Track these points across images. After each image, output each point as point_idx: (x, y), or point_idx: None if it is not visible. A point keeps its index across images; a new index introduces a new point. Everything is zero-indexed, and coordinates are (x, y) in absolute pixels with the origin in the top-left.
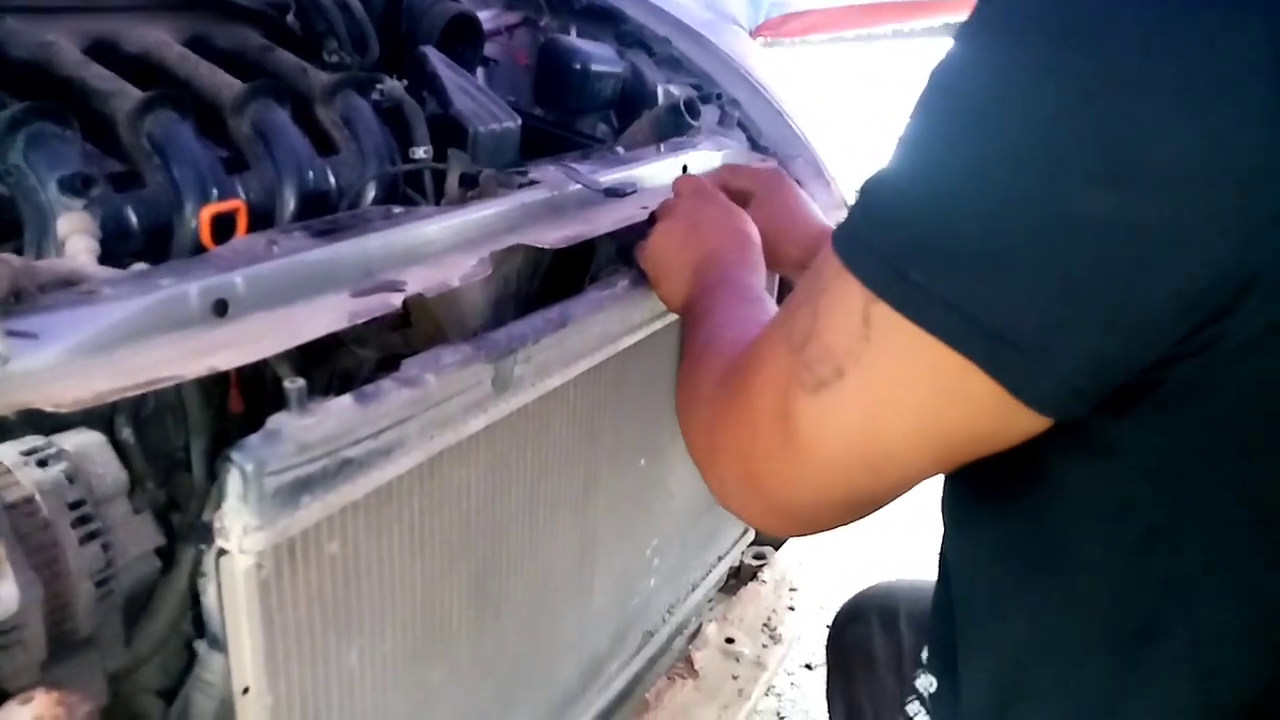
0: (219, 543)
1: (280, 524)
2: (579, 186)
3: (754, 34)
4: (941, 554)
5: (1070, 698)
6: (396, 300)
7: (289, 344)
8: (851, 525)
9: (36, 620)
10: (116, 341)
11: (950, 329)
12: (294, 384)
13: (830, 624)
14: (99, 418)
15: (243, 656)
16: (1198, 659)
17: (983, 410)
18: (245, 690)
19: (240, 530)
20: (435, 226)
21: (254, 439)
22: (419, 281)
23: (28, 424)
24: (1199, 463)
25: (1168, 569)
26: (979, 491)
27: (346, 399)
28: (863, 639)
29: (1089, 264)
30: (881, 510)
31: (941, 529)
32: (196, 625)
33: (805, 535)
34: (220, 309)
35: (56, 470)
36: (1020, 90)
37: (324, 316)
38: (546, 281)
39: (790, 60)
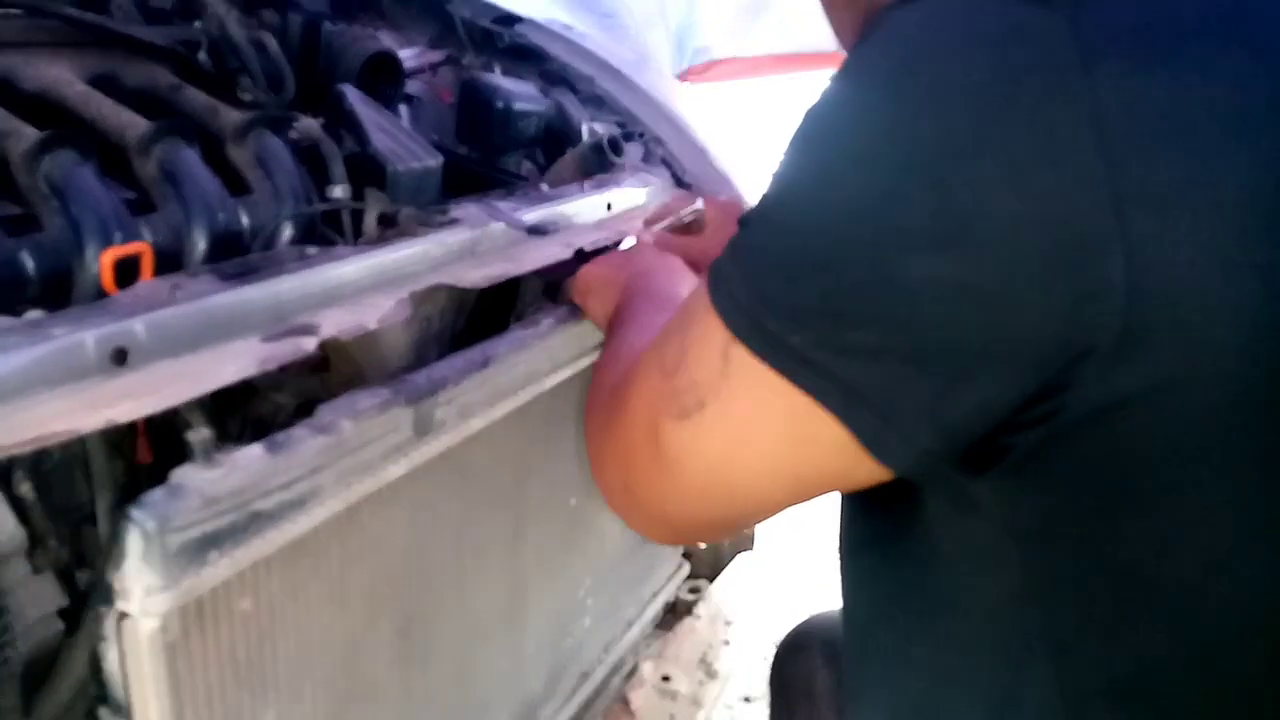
0: (119, 605)
1: (186, 583)
2: (502, 225)
3: (679, 79)
4: (844, 595)
5: None
6: (310, 345)
7: (193, 393)
8: (789, 555)
9: None
10: (6, 394)
11: (805, 379)
12: (198, 434)
13: (773, 655)
14: None
15: None
16: None
17: (834, 455)
18: None
19: (142, 591)
20: (352, 267)
21: (156, 494)
22: (334, 324)
23: None
24: (1058, 526)
25: (1039, 629)
26: (872, 539)
27: (256, 448)
28: (805, 671)
29: (926, 326)
30: (816, 538)
31: (840, 571)
32: (101, 692)
33: (689, 544)
34: (119, 358)
35: None
36: (865, 152)
37: (232, 363)
38: (471, 321)
39: (712, 96)
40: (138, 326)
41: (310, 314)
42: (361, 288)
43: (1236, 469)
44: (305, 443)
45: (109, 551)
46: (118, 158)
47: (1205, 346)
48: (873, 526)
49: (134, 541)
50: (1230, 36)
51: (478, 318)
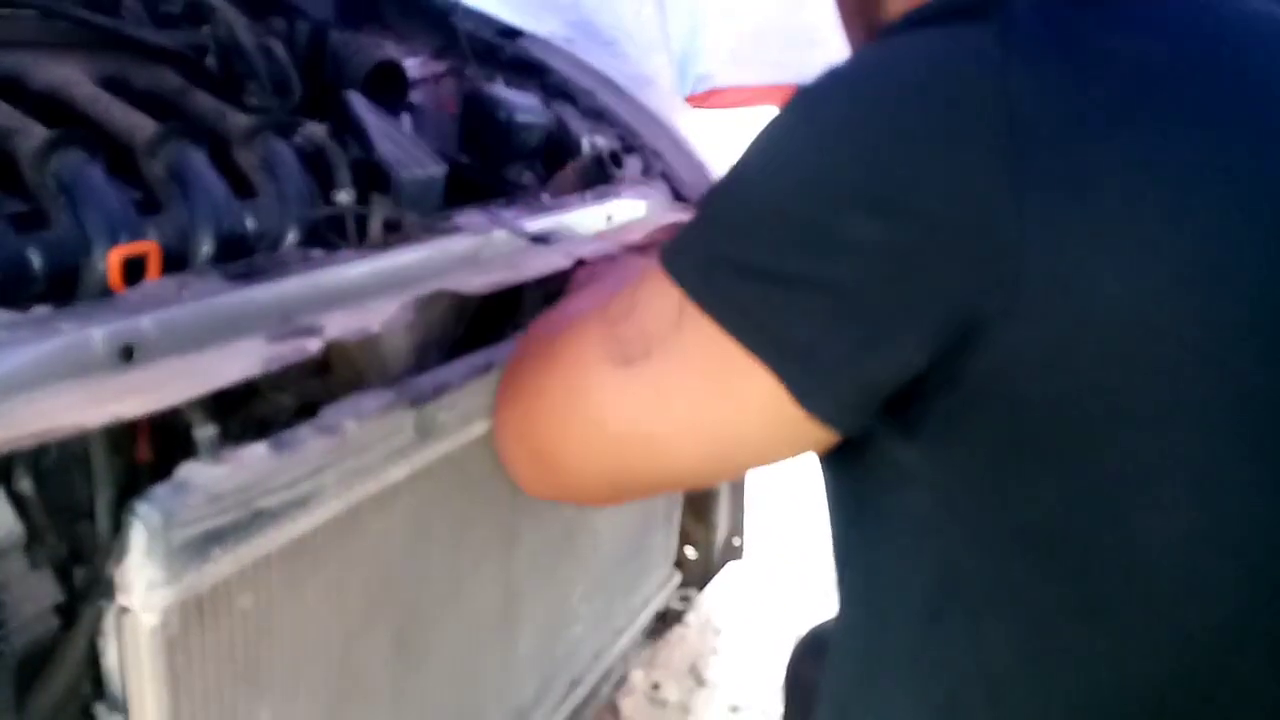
0: (120, 600)
1: (187, 579)
2: (505, 233)
3: None
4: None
5: None
6: (314, 346)
7: (199, 391)
8: (778, 565)
9: None
10: (13, 388)
11: (744, 331)
12: (205, 431)
13: (789, 657)
14: None
15: (146, 718)
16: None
17: (760, 413)
18: None
19: (144, 586)
20: (356, 270)
21: (161, 489)
22: (338, 326)
23: None
24: (978, 492)
25: (966, 599)
26: (841, 522)
27: (261, 447)
28: (819, 673)
29: (852, 284)
30: (806, 548)
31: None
32: (97, 688)
33: (566, 500)
34: (127, 354)
35: None
36: (816, 137)
37: (237, 362)
38: (471, 329)
39: (712, 118)
40: (145, 324)
41: (314, 316)
42: (365, 291)
43: (1140, 434)
44: (309, 443)
45: (110, 547)
46: (125, 158)
47: (1094, 316)
48: (839, 510)
49: (138, 536)
50: (1154, 42)
51: (478, 325)
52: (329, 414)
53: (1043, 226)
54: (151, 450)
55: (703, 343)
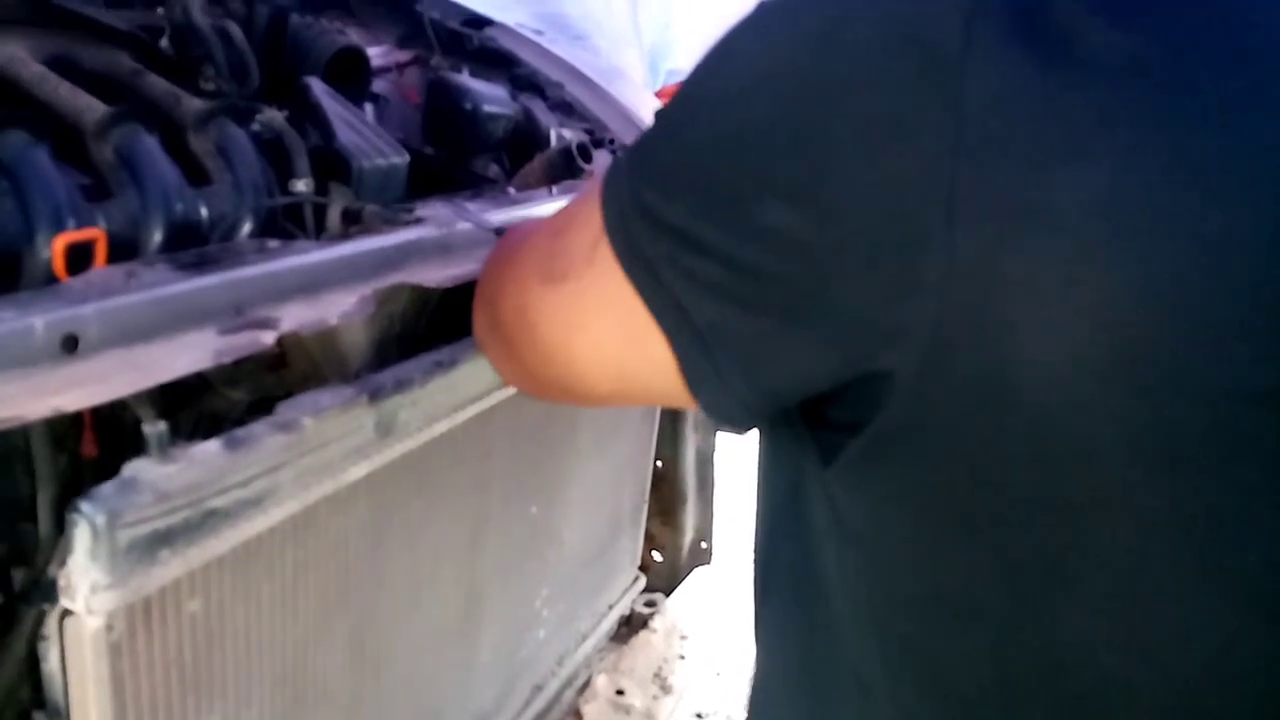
0: (64, 602)
1: (134, 582)
2: (469, 226)
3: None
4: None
5: None
6: (268, 339)
7: (145, 384)
8: (747, 570)
9: None
10: None
11: (650, 292)
12: (154, 427)
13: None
14: None
15: None
16: None
17: (659, 373)
18: None
19: (88, 588)
20: (313, 260)
21: (107, 488)
22: (294, 319)
23: None
24: (882, 538)
25: (863, 648)
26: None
27: (214, 444)
28: None
29: (761, 273)
30: None
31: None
32: (36, 694)
33: (543, 397)
34: (70, 345)
35: None
36: (752, 84)
37: (186, 355)
38: (433, 324)
39: None
40: (89, 313)
41: (270, 307)
42: (323, 283)
43: (1062, 517)
44: (264, 440)
45: (52, 547)
46: (73, 142)
47: (1019, 379)
48: (767, 500)
49: (82, 536)
50: (1150, 38)
51: (439, 321)
52: (286, 409)
53: (974, 262)
54: (97, 446)
55: (609, 285)
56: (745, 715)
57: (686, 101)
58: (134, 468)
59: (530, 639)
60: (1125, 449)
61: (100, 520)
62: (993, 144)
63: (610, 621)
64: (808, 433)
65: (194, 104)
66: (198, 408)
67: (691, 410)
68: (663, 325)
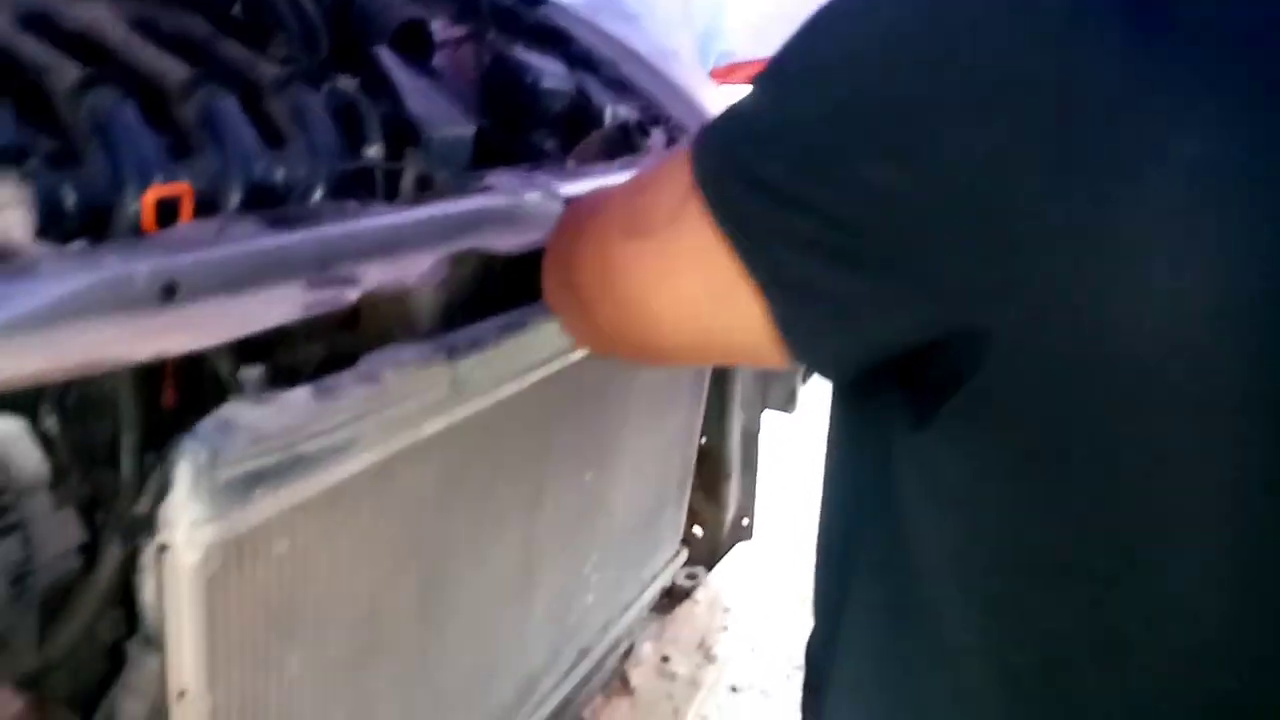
0: (163, 536)
1: (230, 518)
2: (539, 194)
3: None
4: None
5: None
6: (352, 295)
7: (241, 332)
8: (788, 547)
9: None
10: (57, 319)
11: (742, 246)
12: (251, 371)
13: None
14: (21, 405)
15: (182, 657)
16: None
17: (743, 327)
18: (182, 694)
19: (188, 523)
20: (392, 223)
21: (208, 426)
22: (374, 277)
23: None
24: (994, 506)
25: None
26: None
27: (304, 391)
28: None
29: (857, 227)
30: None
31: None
32: (129, 626)
33: (613, 355)
34: (169, 292)
35: None
36: (859, 46)
37: (277, 307)
38: (494, 291)
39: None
40: (187, 262)
41: (352, 266)
42: (401, 244)
43: (1168, 471)
44: (349, 390)
45: (135, 489)
46: (157, 102)
47: (1123, 334)
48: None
49: (184, 472)
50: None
51: (500, 289)
52: (369, 362)
53: (1078, 222)
54: (176, 396)
55: (698, 239)
56: (804, 692)
57: (789, 67)
58: (231, 410)
59: (579, 604)
60: (1233, 399)
61: (203, 457)
62: (1099, 109)
63: (653, 592)
64: (899, 397)
65: (270, 69)
66: (271, 361)
67: (768, 365)
68: (755, 278)
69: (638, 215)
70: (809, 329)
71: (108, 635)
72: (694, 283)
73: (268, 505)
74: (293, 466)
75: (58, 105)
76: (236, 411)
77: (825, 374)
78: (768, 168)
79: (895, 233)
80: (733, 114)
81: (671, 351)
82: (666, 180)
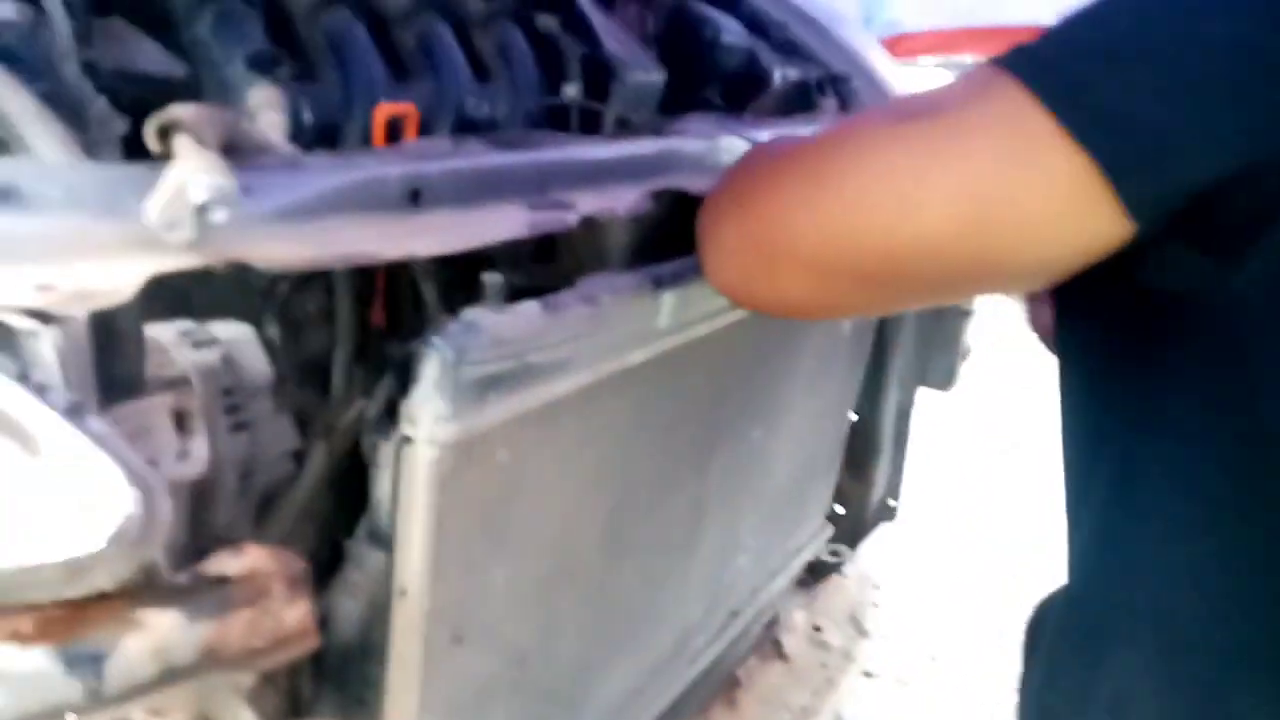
0: (405, 430)
1: (465, 420)
2: (734, 138)
3: None
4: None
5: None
6: (571, 219)
7: (474, 242)
8: (931, 530)
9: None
10: (321, 212)
11: (1060, 101)
12: (493, 278)
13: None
14: (249, 313)
15: (410, 554)
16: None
17: (1040, 190)
18: (404, 591)
19: (431, 418)
20: (602, 155)
21: (454, 327)
22: (588, 205)
23: (179, 307)
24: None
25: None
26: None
27: (534, 305)
28: None
29: (1186, 64)
30: (959, 513)
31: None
32: (349, 525)
33: (771, 306)
34: (414, 198)
35: (212, 354)
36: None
37: (505, 223)
38: (675, 232)
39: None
40: (432, 171)
41: (565, 192)
42: (608, 176)
43: None
44: (573, 309)
45: (346, 400)
46: (379, 28)
47: None
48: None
49: (430, 369)
50: None
51: (675, 232)
52: (588, 285)
53: None
54: (384, 315)
55: (1003, 106)
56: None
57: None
58: (474, 314)
59: (733, 563)
60: None
61: (449, 355)
62: None
63: (798, 564)
64: (1206, 263)
65: (478, 3)
66: (467, 288)
67: (1017, 271)
68: (1078, 131)
69: (913, 104)
70: (1144, 169)
71: (308, 541)
72: (985, 149)
73: (496, 412)
74: (520, 376)
75: (296, 23)
76: (479, 315)
77: (1144, 220)
78: (1092, 35)
79: (1230, 69)
80: (1042, 37)
81: (907, 254)
82: (949, 86)
